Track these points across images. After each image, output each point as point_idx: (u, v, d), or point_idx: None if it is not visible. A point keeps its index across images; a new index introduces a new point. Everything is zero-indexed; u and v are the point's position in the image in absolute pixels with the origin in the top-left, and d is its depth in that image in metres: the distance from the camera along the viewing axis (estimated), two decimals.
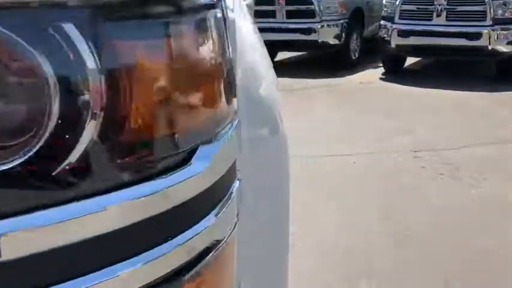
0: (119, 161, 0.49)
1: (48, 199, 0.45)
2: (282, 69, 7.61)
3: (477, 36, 6.86)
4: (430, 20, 7.08)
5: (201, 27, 0.56)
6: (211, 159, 0.56)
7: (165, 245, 0.53)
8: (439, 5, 6.99)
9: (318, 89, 6.68)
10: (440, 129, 4.81)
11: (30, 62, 0.43)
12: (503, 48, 6.86)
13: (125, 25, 0.48)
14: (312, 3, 7.65)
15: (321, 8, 7.66)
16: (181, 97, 0.53)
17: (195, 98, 0.55)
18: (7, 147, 0.43)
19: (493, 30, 6.81)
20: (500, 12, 6.83)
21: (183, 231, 0.55)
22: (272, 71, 1.01)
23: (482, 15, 6.85)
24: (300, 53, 8.98)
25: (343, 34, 7.86)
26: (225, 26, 0.64)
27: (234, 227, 0.65)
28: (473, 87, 6.45)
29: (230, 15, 0.78)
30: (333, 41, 7.82)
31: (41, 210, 0.45)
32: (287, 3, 7.75)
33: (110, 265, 0.49)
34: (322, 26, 7.68)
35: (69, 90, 0.44)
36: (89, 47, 0.45)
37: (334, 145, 4.38)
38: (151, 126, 0.50)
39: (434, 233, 2.91)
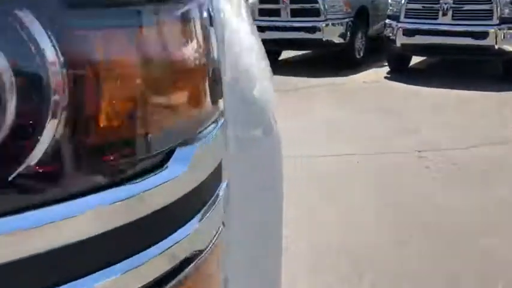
0: (86, 164, 0.45)
1: (5, 206, 0.41)
2: (286, 67, 7.60)
3: (483, 35, 6.80)
4: (436, 18, 7.03)
5: (180, 20, 0.52)
6: (191, 161, 0.52)
7: (144, 254, 0.49)
8: (445, 3, 6.93)
9: (322, 88, 6.63)
10: (445, 129, 4.76)
11: None
12: (510, 47, 6.80)
13: (91, 13, 0.43)
14: (316, 2, 7.61)
15: (326, 6, 7.62)
16: (155, 94, 0.48)
17: (172, 96, 0.51)
18: None
19: (499, 29, 6.74)
20: (507, 11, 6.77)
21: (163, 239, 0.51)
22: (269, 72, 0.99)
23: (489, 14, 6.79)
24: (304, 52, 8.93)
25: (348, 33, 7.82)
26: (211, 24, 0.59)
27: (220, 232, 0.61)
28: (479, 86, 6.40)
29: (221, 15, 0.75)
30: (337, 40, 7.79)
31: None
32: (292, 2, 7.72)
33: (84, 276, 0.45)
34: (326, 25, 7.64)
35: (27, 85, 0.40)
36: (49, 38, 0.40)
37: (337, 144, 4.34)
38: (122, 126, 0.46)
39: (438, 233, 2.87)
